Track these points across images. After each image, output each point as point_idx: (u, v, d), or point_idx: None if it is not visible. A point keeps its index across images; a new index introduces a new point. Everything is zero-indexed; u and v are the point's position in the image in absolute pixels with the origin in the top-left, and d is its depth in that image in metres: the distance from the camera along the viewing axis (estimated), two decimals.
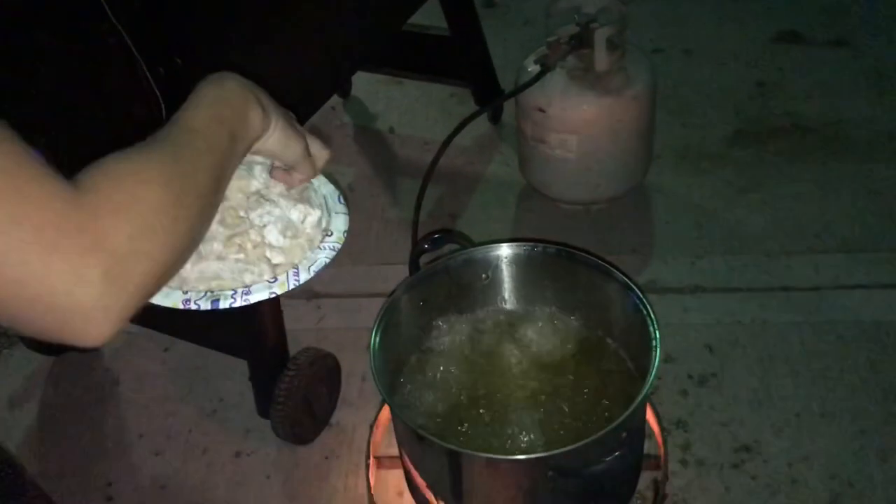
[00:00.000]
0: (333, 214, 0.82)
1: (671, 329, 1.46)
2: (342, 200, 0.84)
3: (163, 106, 1.05)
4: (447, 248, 1.14)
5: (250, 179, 0.80)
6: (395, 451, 1.12)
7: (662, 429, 1.19)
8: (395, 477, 1.21)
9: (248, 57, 1.18)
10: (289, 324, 1.34)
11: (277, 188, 0.81)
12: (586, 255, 1.08)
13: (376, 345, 1.00)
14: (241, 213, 0.78)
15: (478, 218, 1.75)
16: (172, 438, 1.43)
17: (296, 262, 0.78)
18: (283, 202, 0.80)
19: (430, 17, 1.79)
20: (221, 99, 0.68)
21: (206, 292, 0.75)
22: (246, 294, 0.75)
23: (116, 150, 0.58)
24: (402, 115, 2.03)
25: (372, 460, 1.19)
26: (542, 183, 1.72)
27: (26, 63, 1.13)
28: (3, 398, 1.51)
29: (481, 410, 1.04)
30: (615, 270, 1.05)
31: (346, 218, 0.83)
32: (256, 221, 0.78)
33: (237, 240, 0.77)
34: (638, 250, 1.65)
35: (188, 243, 0.60)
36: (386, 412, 1.19)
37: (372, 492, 1.17)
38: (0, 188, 0.49)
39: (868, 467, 1.28)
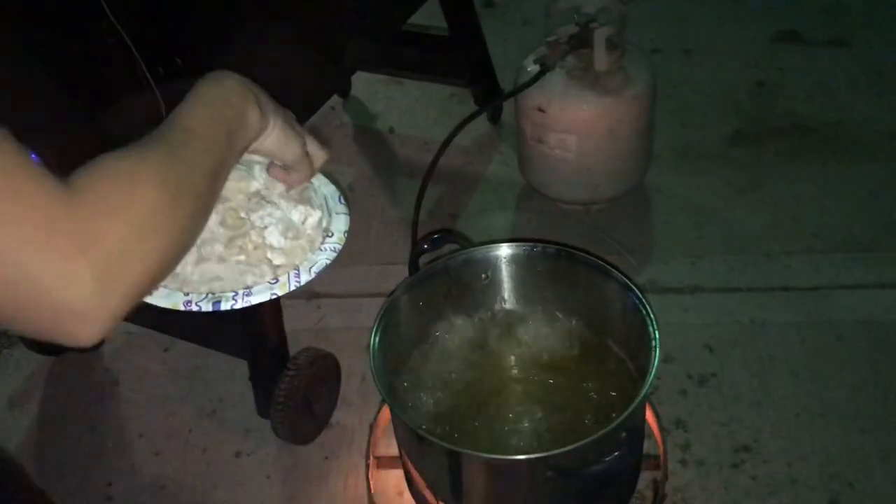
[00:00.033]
0: (334, 215, 0.82)
1: (671, 329, 1.46)
2: (342, 201, 0.84)
3: (163, 106, 1.05)
4: (447, 248, 1.14)
5: (251, 180, 0.80)
6: (395, 451, 1.12)
7: (662, 429, 1.19)
8: (395, 477, 1.21)
9: (247, 56, 1.18)
10: (289, 324, 1.34)
11: (278, 189, 0.81)
12: (586, 256, 1.08)
13: (376, 345, 1.00)
14: (242, 215, 0.78)
15: (477, 218, 1.75)
16: (172, 438, 1.43)
17: (297, 263, 0.78)
18: (283, 203, 0.80)
19: (430, 18, 1.79)
20: (219, 98, 0.68)
21: (207, 294, 0.75)
22: (247, 295, 0.75)
23: (115, 149, 0.58)
24: (401, 115, 2.04)
25: (372, 460, 1.19)
26: (541, 183, 1.72)
27: (26, 63, 1.13)
28: (3, 398, 1.51)
29: (481, 410, 1.04)
30: (614, 270, 1.05)
31: (347, 218, 0.83)
32: (257, 223, 0.78)
33: (238, 241, 0.77)
34: (637, 250, 1.65)
35: (183, 243, 0.60)
36: (386, 412, 1.19)
37: (372, 492, 1.17)
38: None
39: (868, 467, 1.28)
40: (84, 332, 0.53)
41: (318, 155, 0.79)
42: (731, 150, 1.86)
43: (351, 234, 0.83)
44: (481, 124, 1.91)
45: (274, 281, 0.77)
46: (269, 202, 0.79)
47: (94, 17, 1.00)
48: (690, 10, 2.27)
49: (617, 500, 1.07)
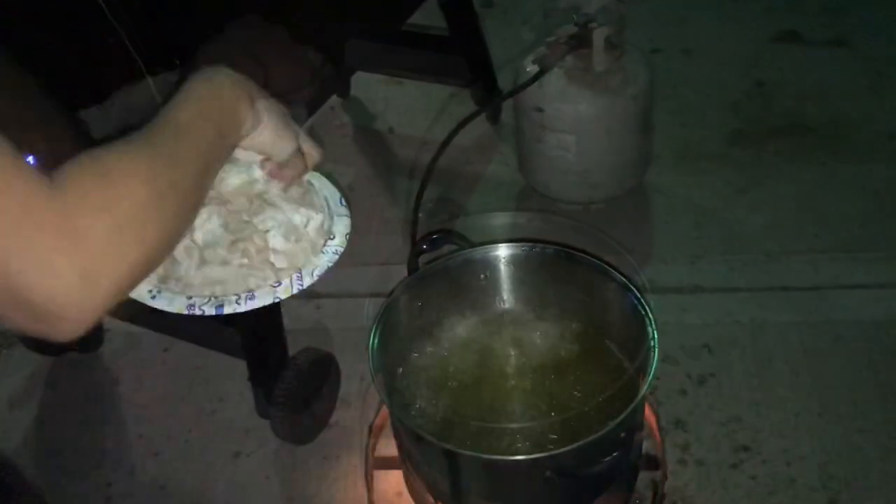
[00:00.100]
0: (335, 217, 0.82)
1: (670, 329, 1.46)
2: (344, 203, 0.84)
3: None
4: (446, 248, 1.14)
5: (253, 183, 0.80)
6: (394, 451, 1.12)
7: (661, 428, 1.19)
8: (395, 477, 1.21)
9: (247, 56, 1.18)
10: (288, 324, 1.34)
11: (280, 192, 0.81)
12: (585, 256, 1.08)
13: (375, 345, 1.01)
14: (245, 218, 0.78)
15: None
16: (172, 438, 1.43)
17: (299, 266, 0.79)
18: (286, 206, 0.80)
19: (430, 18, 1.79)
20: (210, 94, 0.68)
21: (210, 297, 0.75)
22: (250, 299, 0.75)
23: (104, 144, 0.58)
24: (401, 115, 2.04)
25: (371, 461, 1.19)
26: (540, 183, 1.72)
27: (26, 63, 1.13)
28: (3, 398, 1.51)
29: (480, 410, 1.04)
30: (613, 271, 1.05)
31: (348, 221, 0.83)
32: (260, 226, 0.78)
33: (241, 244, 0.77)
34: (637, 250, 1.65)
35: (169, 240, 0.61)
36: (385, 412, 1.19)
37: (371, 492, 1.17)
38: None
39: (867, 467, 1.28)
40: (68, 326, 0.54)
41: (313, 153, 0.79)
42: (731, 150, 1.86)
43: (351, 235, 0.83)
44: (481, 124, 1.91)
45: (277, 284, 0.77)
46: (271, 205, 0.80)
47: (93, 18, 1.01)
48: (690, 11, 2.27)
49: (616, 500, 1.07)
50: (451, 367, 1.08)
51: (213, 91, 0.68)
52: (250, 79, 0.72)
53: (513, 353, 1.09)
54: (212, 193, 0.77)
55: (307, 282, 0.77)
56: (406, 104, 2.06)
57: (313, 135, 0.80)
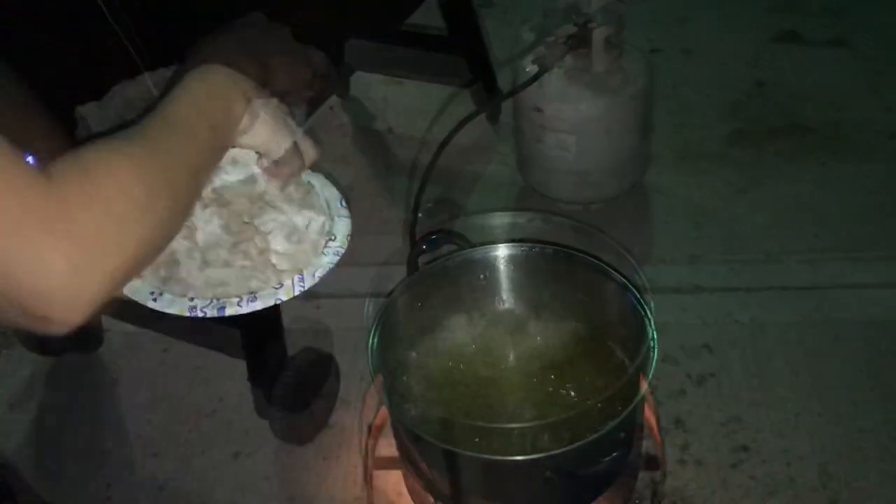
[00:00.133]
0: (336, 219, 0.82)
1: (670, 329, 1.46)
2: (344, 204, 0.84)
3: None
4: (446, 248, 1.14)
5: (254, 185, 0.80)
6: (394, 451, 1.12)
7: (661, 428, 1.19)
8: (395, 477, 1.21)
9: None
10: (288, 324, 1.34)
11: (276, 190, 0.81)
12: (584, 256, 1.08)
13: (375, 345, 1.01)
14: (247, 220, 0.78)
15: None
16: (172, 438, 1.43)
17: (301, 267, 0.79)
18: (287, 208, 0.80)
19: (429, 18, 1.79)
20: (205, 91, 0.68)
21: (212, 299, 0.75)
22: (252, 301, 0.75)
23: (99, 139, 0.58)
24: (401, 115, 2.03)
25: (371, 461, 1.19)
26: (540, 183, 1.72)
27: (26, 63, 1.13)
28: (3, 399, 1.51)
29: (479, 411, 1.04)
30: (613, 271, 1.05)
31: (349, 222, 0.83)
32: (262, 228, 0.78)
33: (243, 246, 0.77)
34: (637, 250, 1.65)
35: (162, 235, 0.61)
36: (384, 413, 1.19)
37: (371, 492, 1.17)
38: None
39: (867, 467, 1.28)
40: (60, 320, 0.54)
41: (310, 151, 0.79)
42: (731, 150, 1.86)
43: (351, 236, 0.83)
44: (481, 124, 1.91)
45: (278, 286, 0.77)
46: (272, 207, 0.80)
47: (92, 19, 1.01)
48: (690, 10, 2.27)
49: (616, 500, 1.07)
50: (451, 367, 1.08)
51: (208, 89, 0.68)
52: (247, 77, 0.72)
53: (512, 353, 1.09)
54: (213, 195, 0.77)
55: (309, 283, 0.77)
56: (406, 104, 2.06)
57: (313, 135, 0.80)
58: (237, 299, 0.75)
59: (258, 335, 1.30)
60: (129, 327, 1.50)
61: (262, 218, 0.79)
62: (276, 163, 0.78)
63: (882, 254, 1.60)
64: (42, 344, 1.52)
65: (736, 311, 1.52)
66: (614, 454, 0.98)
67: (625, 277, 1.05)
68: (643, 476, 1.16)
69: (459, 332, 1.12)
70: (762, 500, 1.26)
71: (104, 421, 1.48)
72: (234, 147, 0.73)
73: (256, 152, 0.77)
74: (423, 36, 1.90)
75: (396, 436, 1.08)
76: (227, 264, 0.77)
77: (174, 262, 0.76)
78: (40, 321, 0.54)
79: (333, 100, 2.04)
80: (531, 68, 1.59)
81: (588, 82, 1.57)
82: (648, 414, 1.15)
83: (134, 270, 0.58)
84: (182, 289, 0.76)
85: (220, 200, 0.78)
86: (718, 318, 1.51)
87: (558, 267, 1.10)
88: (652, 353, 0.96)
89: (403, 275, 1.14)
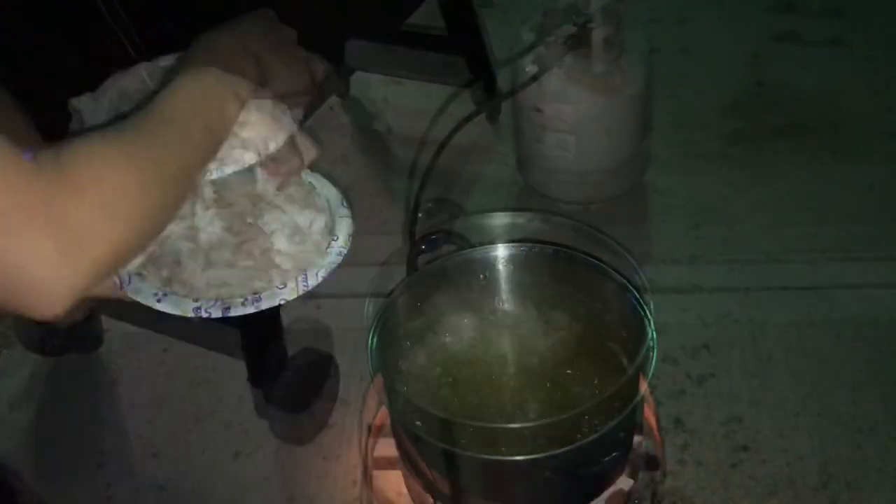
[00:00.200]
0: (337, 218, 0.82)
1: (670, 329, 1.46)
2: (345, 204, 0.84)
3: None
4: (445, 248, 1.14)
5: (254, 185, 0.80)
6: (393, 451, 1.12)
7: (661, 429, 1.19)
8: (394, 477, 1.21)
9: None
10: (288, 324, 1.34)
11: (274, 189, 0.81)
12: (584, 256, 1.08)
13: (374, 345, 1.01)
14: (249, 220, 0.78)
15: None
16: (172, 439, 1.43)
17: (304, 267, 0.79)
18: (289, 208, 0.80)
19: (429, 18, 1.79)
20: (200, 91, 0.68)
21: (216, 300, 0.75)
22: (256, 301, 0.76)
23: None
24: (400, 115, 2.03)
25: (370, 461, 1.19)
26: (540, 183, 1.72)
27: (25, 63, 1.13)
28: (3, 398, 1.51)
29: (479, 411, 1.04)
30: (612, 271, 1.05)
31: (351, 221, 0.83)
32: (264, 228, 0.78)
33: (246, 247, 0.77)
34: (637, 250, 1.64)
35: (151, 225, 0.62)
36: (385, 412, 1.19)
37: (371, 492, 1.17)
38: None
39: (867, 468, 1.28)
40: (44, 306, 0.54)
41: (310, 151, 0.79)
42: (731, 150, 1.86)
43: (353, 235, 0.83)
44: (480, 124, 1.91)
45: (282, 286, 0.77)
46: (275, 207, 0.80)
47: (91, 19, 1.01)
48: (690, 10, 2.27)
49: (616, 500, 1.07)
50: (451, 367, 1.08)
51: (204, 88, 0.69)
52: (244, 77, 0.72)
53: (512, 353, 1.09)
54: (215, 196, 0.77)
55: (312, 283, 0.77)
56: (406, 104, 2.06)
57: (312, 134, 0.80)
58: (241, 299, 0.75)
59: (258, 335, 1.30)
60: (129, 327, 1.50)
61: (264, 218, 0.79)
62: (276, 162, 0.78)
63: (882, 254, 1.60)
64: (42, 344, 1.52)
65: (736, 311, 1.52)
66: (614, 454, 0.98)
67: (625, 277, 1.04)
68: (643, 476, 1.16)
69: (459, 332, 1.12)
70: (762, 500, 1.26)
71: (104, 421, 1.48)
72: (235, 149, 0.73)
73: (257, 153, 0.77)
74: (423, 36, 1.90)
75: (396, 436, 1.08)
76: (230, 265, 0.77)
77: (177, 264, 0.76)
78: (27, 304, 0.54)
79: (333, 100, 2.04)
80: (531, 68, 1.59)
81: (588, 82, 1.57)
82: (648, 414, 1.15)
83: (122, 257, 0.59)
84: (185, 290, 0.76)
85: (222, 202, 0.78)
86: (718, 318, 1.51)
87: (558, 267, 1.10)
88: (652, 354, 0.96)
89: (403, 275, 1.13)
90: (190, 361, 1.53)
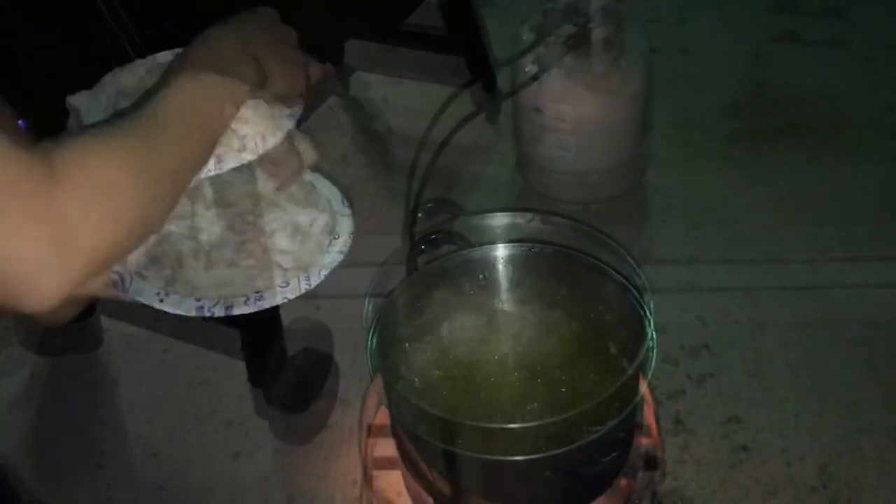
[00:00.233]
0: (338, 217, 0.83)
1: (670, 329, 1.46)
2: (346, 203, 0.84)
3: None
4: (445, 248, 1.14)
5: (255, 185, 0.80)
6: (393, 451, 1.12)
7: (661, 428, 1.19)
8: (394, 477, 1.21)
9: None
10: (287, 324, 1.34)
11: (273, 190, 0.81)
12: (584, 256, 1.08)
13: (374, 345, 1.01)
14: (251, 220, 0.78)
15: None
16: (172, 438, 1.43)
17: (306, 266, 0.79)
18: (290, 207, 0.80)
19: (429, 18, 1.79)
20: (196, 92, 0.68)
21: (219, 299, 0.75)
22: (258, 300, 0.76)
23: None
24: (399, 115, 2.03)
25: (370, 461, 1.19)
26: (540, 182, 1.72)
27: (24, 64, 1.13)
28: (3, 398, 1.51)
29: (479, 411, 1.04)
30: (613, 271, 1.05)
31: (351, 220, 0.83)
32: (266, 227, 0.79)
33: (247, 246, 0.77)
34: (636, 250, 1.65)
35: (146, 221, 0.62)
36: (384, 412, 1.19)
37: (371, 492, 1.17)
38: None
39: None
40: (35, 298, 0.55)
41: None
42: (731, 149, 1.86)
43: (354, 234, 0.83)
44: (480, 124, 1.91)
45: (285, 284, 0.77)
46: (276, 206, 0.80)
47: (91, 19, 1.01)
48: (690, 10, 2.26)
49: (616, 500, 1.07)
50: (451, 367, 1.08)
51: (199, 89, 0.69)
52: (242, 78, 0.72)
53: (512, 353, 1.09)
54: (216, 196, 0.78)
55: (314, 282, 0.78)
56: (406, 104, 2.06)
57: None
58: (244, 298, 0.75)
59: (258, 335, 1.30)
60: (129, 327, 1.50)
61: (265, 217, 0.79)
62: (275, 164, 0.78)
63: (882, 254, 1.60)
64: (42, 344, 1.52)
65: (736, 311, 1.52)
66: (614, 454, 0.98)
67: (624, 277, 1.04)
68: (643, 476, 1.16)
69: (459, 333, 1.12)
70: (762, 500, 1.26)
71: (104, 421, 1.48)
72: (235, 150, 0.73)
73: (256, 151, 0.77)
74: (423, 36, 1.90)
75: (396, 436, 1.08)
76: (232, 264, 0.77)
77: (179, 263, 0.76)
78: (19, 298, 0.54)
79: (333, 100, 2.04)
80: (531, 68, 1.59)
81: (588, 82, 1.57)
82: (648, 414, 1.15)
83: (116, 253, 0.60)
84: (188, 289, 0.76)
85: (224, 201, 0.78)
86: (718, 318, 1.51)
87: (558, 267, 1.10)
88: (651, 353, 0.96)
89: (403, 275, 1.14)
90: (190, 361, 1.53)
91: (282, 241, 0.79)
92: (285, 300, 0.76)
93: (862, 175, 1.76)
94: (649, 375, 0.95)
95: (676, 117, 1.93)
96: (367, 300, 1.09)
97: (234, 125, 0.72)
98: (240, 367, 1.40)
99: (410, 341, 1.11)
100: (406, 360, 1.10)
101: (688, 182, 1.79)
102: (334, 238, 0.81)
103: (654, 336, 0.97)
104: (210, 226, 0.77)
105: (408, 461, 1.06)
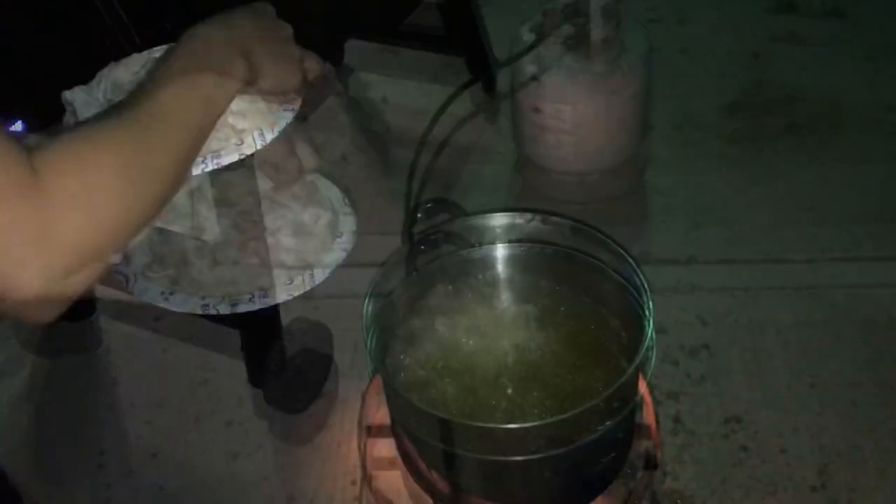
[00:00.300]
0: (341, 216, 0.83)
1: (670, 329, 1.46)
2: (347, 202, 0.84)
3: None
4: (445, 248, 1.14)
5: (257, 184, 0.80)
6: (393, 451, 1.12)
7: (660, 428, 1.19)
8: (394, 477, 1.21)
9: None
10: (287, 324, 1.34)
11: (272, 191, 0.81)
12: (584, 256, 1.08)
13: (373, 345, 1.01)
14: (255, 218, 0.78)
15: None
16: (171, 439, 1.43)
17: (310, 263, 0.79)
18: (294, 205, 0.80)
19: (430, 18, 1.79)
20: (184, 88, 0.67)
21: (223, 297, 0.75)
22: (263, 297, 0.76)
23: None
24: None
25: (370, 461, 1.19)
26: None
27: (24, 63, 1.13)
28: (3, 399, 1.51)
29: (479, 410, 1.04)
30: (612, 271, 1.05)
31: (354, 219, 0.83)
32: (270, 226, 0.79)
33: (252, 244, 0.77)
34: (636, 250, 1.64)
35: (140, 212, 0.62)
36: (384, 413, 1.19)
37: (371, 492, 1.17)
38: None
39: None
40: (24, 287, 0.54)
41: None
42: (731, 149, 1.86)
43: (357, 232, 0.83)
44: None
45: (289, 282, 0.77)
46: (280, 205, 0.80)
47: (90, 19, 1.01)
48: (690, 10, 2.26)
49: (615, 500, 1.07)
50: (450, 367, 1.08)
51: (184, 87, 0.68)
52: (230, 75, 0.71)
53: (511, 353, 1.09)
54: (220, 196, 0.78)
55: (319, 278, 0.78)
56: (406, 104, 2.06)
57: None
58: (249, 296, 0.76)
59: (257, 335, 1.30)
60: (129, 327, 1.50)
61: (270, 216, 0.79)
62: (275, 168, 0.78)
63: (882, 254, 1.60)
64: (41, 344, 1.52)
65: (736, 311, 1.52)
66: (613, 454, 0.98)
67: (624, 277, 1.04)
68: (643, 476, 1.15)
69: (458, 332, 1.11)
70: (762, 500, 1.26)
71: (104, 421, 1.48)
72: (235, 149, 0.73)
73: (253, 145, 0.77)
74: (423, 36, 1.90)
75: (396, 436, 1.08)
76: (236, 262, 0.77)
77: (184, 262, 0.76)
78: (6, 290, 0.54)
79: (333, 100, 2.04)
80: (531, 68, 1.59)
81: (587, 83, 1.56)
82: (648, 414, 1.15)
83: (108, 247, 0.59)
84: (193, 288, 0.76)
85: (227, 201, 0.78)
86: (718, 318, 1.51)
87: (558, 267, 1.10)
88: (651, 353, 0.96)
89: (403, 275, 1.13)
90: (190, 361, 1.53)
91: (285, 239, 0.79)
92: (290, 297, 0.76)
93: (862, 175, 1.76)
94: (649, 375, 0.95)
95: (676, 117, 1.93)
96: (366, 300, 1.09)
97: (231, 120, 0.71)
98: (240, 367, 1.40)
99: (410, 341, 1.11)
100: (406, 360, 1.10)
101: (688, 182, 1.79)
102: (338, 236, 0.81)
103: (654, 336, 0.97)
104: (215, 225, 0.77)
105: (407, 461, 1.06)
